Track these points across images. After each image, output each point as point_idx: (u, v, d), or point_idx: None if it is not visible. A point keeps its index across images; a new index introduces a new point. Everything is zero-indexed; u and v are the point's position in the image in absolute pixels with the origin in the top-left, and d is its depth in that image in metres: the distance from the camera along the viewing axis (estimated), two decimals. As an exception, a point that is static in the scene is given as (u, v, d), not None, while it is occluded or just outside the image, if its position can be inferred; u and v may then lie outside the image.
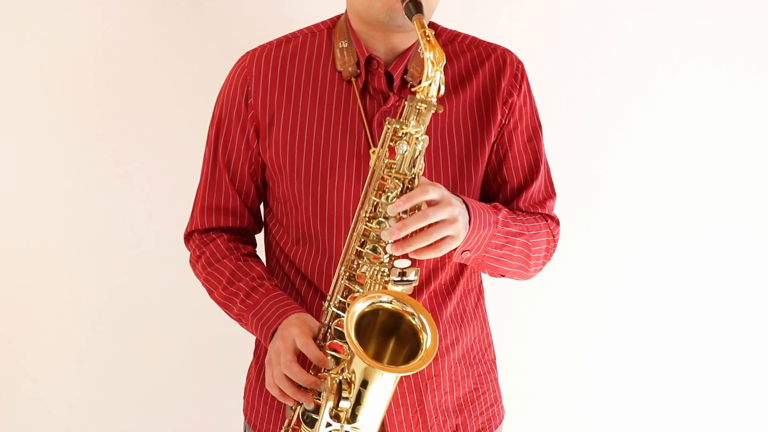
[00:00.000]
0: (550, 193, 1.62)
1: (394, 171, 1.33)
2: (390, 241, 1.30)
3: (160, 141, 2.14)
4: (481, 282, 1.65)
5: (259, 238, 1.68)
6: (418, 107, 1.33)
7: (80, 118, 2.11)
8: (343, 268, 1.37)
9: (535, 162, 1.59)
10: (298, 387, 1.33)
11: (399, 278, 1.31)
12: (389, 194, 1.32)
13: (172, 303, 2.20)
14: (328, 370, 1.32)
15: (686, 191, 2.35)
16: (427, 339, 1.28)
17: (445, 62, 1.32)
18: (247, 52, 1.56)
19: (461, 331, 1.56)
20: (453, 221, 1.32)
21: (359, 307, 1.27)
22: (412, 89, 1.37)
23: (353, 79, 1.49)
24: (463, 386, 1.58)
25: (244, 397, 1.67)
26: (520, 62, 1.57)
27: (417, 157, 1.34)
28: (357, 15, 1.49)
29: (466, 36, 1.58)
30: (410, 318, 1.30)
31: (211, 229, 1.59)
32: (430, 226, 1.31)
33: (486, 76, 1.54)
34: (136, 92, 2.12)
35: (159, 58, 2.11)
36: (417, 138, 1.33)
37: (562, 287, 2.27)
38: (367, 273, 1.34)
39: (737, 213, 2.35)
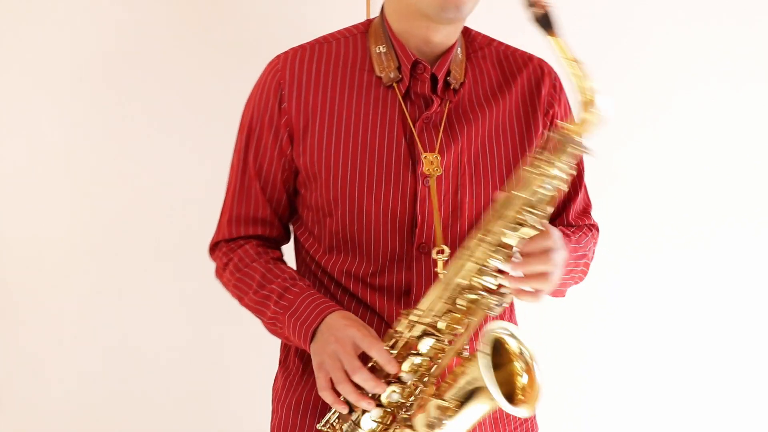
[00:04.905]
0: (588, 202, 1.65)
1: (530, 207, 1.31)
2: (508, 273, 1.31)
3: (167, 141, 2.14)
4: None
5: (289, 250, 1.63)
6: (571, 149, 1.29)
7: (86, 117, 2.11)
8: (447, 291, 1.33)
9: (578, 173, 1.61)
10: (362, 393, 1.30)
11: (498, 305, 1.32)
12: (523, 230, 1.30)
13: (192, 311, 2.19)
14: (399, 379, 1.31)
15: (686, 190, 2.35)
16: (522, 380, 1.30)
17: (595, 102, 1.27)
18: (279, 55, 1.50)
19: None
20: (559, 267, 1.34)
21: (491, 335, 1.29)
22: (561, 125, 1.29)
23: (395, 84, 1.45)
24: None
25: (272, 411, 1.61)
26: (556, 73, 1.57)
27: (552, 197, 1.32)
28: (402, 13, 1.44)
29: (500, 42, 1.57)
30: (516, 361, 1.31)
31: (239, 237, 1.54)
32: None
33: (524, 85, 1.53)
34: (145, 92, 2.11)
35: (168, 57, 2.11)
36: (562, 179, 1.31)
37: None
38: (471, 298, 1.33)
39: (737, 212, 2.36)
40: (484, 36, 1.57)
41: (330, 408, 1.37)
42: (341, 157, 1.42)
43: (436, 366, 1.32)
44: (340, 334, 1.32)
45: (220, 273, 1.56)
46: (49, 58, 2.08)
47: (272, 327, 1.47)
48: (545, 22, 1.28)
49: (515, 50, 1.57)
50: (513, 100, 1.51)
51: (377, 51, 1.45)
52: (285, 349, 1.58)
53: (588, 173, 2.31)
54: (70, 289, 2.18)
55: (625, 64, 2.30)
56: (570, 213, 1.60)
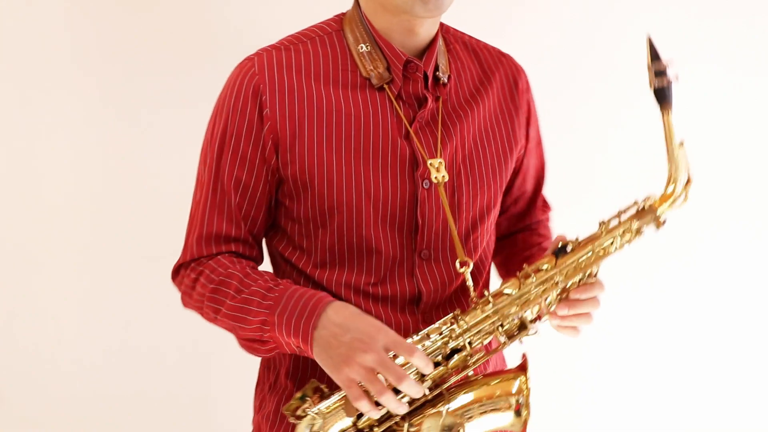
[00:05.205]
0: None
1: (591, 259, 1.35)
2: (553, 311, 1.35)
3: (168, 140, 2.17)
4: None
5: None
6: (652, 220, 1.35)
7: (86, 118, 2.13)
8: (497, 315, 1.32)
9: (542, 164, 1.61)
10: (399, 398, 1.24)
11: (534, 333, 1.36)
12: (587, 279, 1.35)
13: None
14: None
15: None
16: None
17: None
18: (250, 57, 1.37)
19: None
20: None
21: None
22: (651, 198, 1.35)
23: (386, 85, 1.35)
24: None
25: None
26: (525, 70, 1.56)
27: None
28: (379, 10, 1.35)
29: (471, 36, 1.52)
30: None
31: (209, 255, 1.39)
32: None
33: (503, 81, 1.49)
34: (147, 91, 2.15)
35: (166, 58, 2.11)
36: (631, 240, 1.36)
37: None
38: (514, 324, 1.34)
39: (738, 214, 2.37)
40: (456, 29, 1.51)
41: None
42: (335, 165, 1.33)
43: (447, 376, 1.32)
44: (366, 338, 1.22)
45: (187, 295, 1.41)
46: (48, 60, 2.09)
47: (255, 336, 1.32)
48: (663, 96, 1.30)
49: (485, 44, 1.52)
50: (495, 96, 1.47)
51: (360, 49, 1.36)
52: (273, 372, 1.47)
53: (585, 175, 2.34)
54: (70, 289, 2.19)
55: (625, 66, 2.31)
56: (538, 206, 1.63)
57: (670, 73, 1.31)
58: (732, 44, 2.31)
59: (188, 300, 1.42)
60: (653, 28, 2.29)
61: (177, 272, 1.44)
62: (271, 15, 2.17)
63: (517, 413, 1.31)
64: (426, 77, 1.39)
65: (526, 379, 1.33)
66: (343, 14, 1.43)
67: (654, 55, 1.33)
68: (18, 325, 2.18)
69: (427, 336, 1.30)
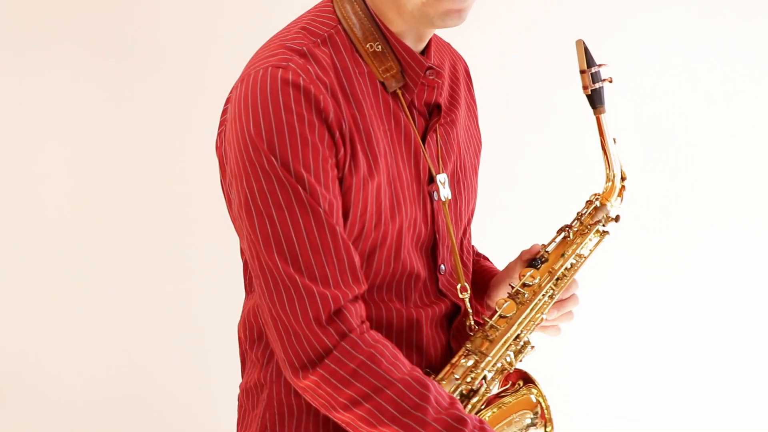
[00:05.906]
0: None
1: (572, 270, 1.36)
2: (545, 317, 1.35)
3: (170, 141, 2.17)
4: None
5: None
6: (605, 216, 1.36)
7: (86, 118, 2.13)
8: (520, 330, 1.28)
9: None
10: None
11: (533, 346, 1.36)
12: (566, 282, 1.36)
13: (194, 311, 2.21)
14: None
15: (684, 192, 2.36)
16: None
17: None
18: (282, 65, 1.11)
19: None
20: None
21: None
22: (599, 195, 1.37)
23: (399, 91, 1.19)
24: None
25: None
26: None
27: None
28: (393, 15, 1.17)
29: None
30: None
31: (354, 298, 1.14)
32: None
33: (464, 76, 1.39)
34: (147, 92, 2.15)
35: (166, 58, 2.11)
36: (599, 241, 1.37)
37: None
38: (521, 345, 1.32)
39: (738, 214, 2.36)
40: None
41: None
42: (376, 191, 1.16)
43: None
44: None
45: (340, 382, 1.10)
46: (49, 61, 2.09)
47: None
48: (598, 99, 1.32)
49: (441, 39, 1.37)
50: (463, 93, 1.36)
51: (371, 50, 1.18)
52: (291, 419, 1.23)
53: (581, 174, 2.33)
54: (70, 289, 2.18)
55: (627, 68, 2.31)
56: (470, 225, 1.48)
57: (604, 75, 1.31)
58: (732, 42, 2.30)
59: (335, 385, 1.11)
60: (652, 28, 2.30)
61: (316, 362, 1.10)
62: (272, 14, 2.16)
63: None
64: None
65: (540, 392, 1.30)
66: (330, 3, 1.22)
67: (588, 60, 1.31)
68: (18, 325, 2.17)
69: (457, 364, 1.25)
